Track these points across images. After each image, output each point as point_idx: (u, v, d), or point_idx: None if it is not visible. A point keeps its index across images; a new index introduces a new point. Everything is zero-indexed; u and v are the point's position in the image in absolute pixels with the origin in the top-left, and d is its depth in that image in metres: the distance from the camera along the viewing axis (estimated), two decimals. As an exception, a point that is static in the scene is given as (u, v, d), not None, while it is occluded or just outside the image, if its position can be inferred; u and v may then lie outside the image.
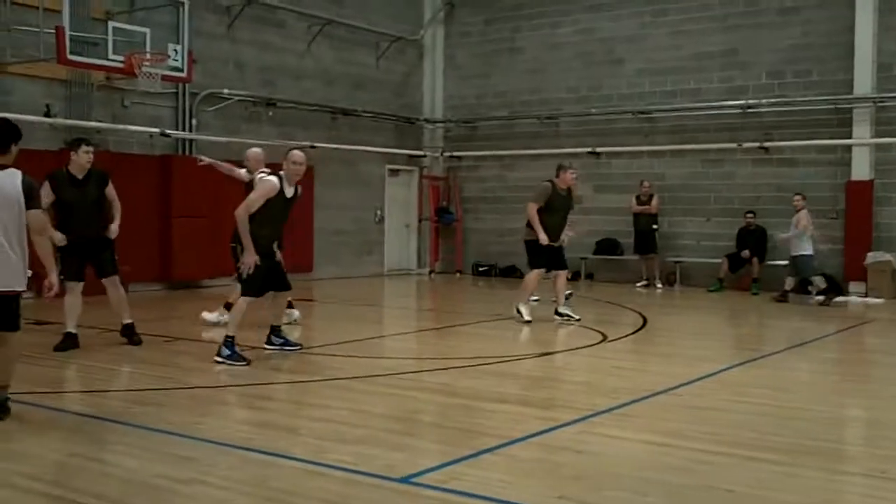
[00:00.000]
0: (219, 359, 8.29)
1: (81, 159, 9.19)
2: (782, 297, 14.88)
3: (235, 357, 8.28)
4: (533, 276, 11.84)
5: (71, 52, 13.04)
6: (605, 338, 10.45)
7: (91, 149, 9.35)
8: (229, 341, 8.33)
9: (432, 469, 5.02)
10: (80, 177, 9.23)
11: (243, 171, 10.74)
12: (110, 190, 9.52)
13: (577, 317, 11.74)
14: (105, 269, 9.39)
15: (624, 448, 5.62)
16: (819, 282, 15.03)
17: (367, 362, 8.70)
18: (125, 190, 14.53)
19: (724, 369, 8.51)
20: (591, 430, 6.03)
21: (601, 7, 19.29)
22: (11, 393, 6.22)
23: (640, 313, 13.03)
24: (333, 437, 5.77)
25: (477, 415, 6.48)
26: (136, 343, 9.41)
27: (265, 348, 8.99)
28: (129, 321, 9.55)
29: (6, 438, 5.67)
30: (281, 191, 8.62)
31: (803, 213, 14.93)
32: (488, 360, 8.79)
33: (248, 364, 8.20)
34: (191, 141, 16.57)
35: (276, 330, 9.14)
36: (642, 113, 18.62)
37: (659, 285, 17.57)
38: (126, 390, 7.28)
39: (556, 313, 11.83)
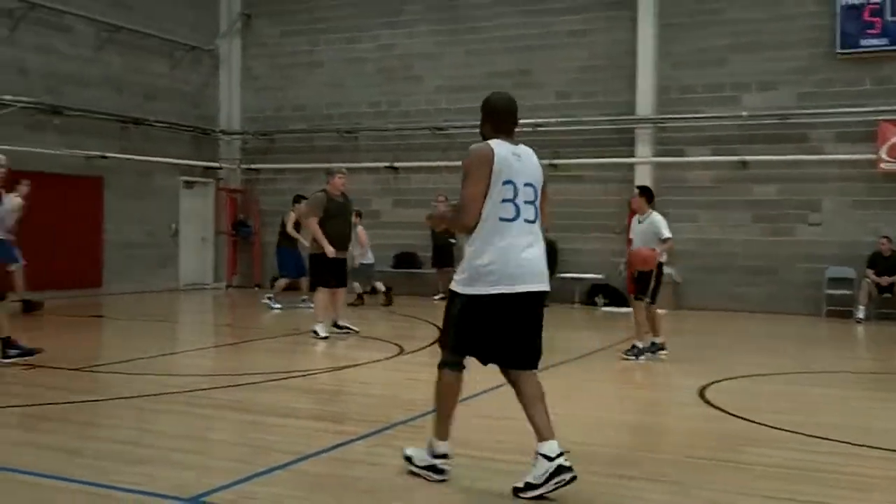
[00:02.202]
0: None
1: None
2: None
3: None
4: (321, 295, 11.60)
5: None
6: (401, 350, 10.60)
7: None
8: None
9: (223, 487, 4.96)
10: None
11: None
12: None
13: (356, 329, 11.87)
14: None
15: (416, 459, 5.72)
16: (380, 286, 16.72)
17: (157, 380, 8.47)
18: None
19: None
20: (386, 442, 6.11)
21: (398, 24, 19.59)
22: None
23: (437, 326, 13.23)
24: (120, 457, 5.59)
25: (269, 431, 6.44)
26: None
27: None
28: None
29: None
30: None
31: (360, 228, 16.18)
32: (283, 375, 8.74)
33: None
34: (-33, 148, 15.60)
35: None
36: (439, 129, 19.00)
37: (456, 298, 17.90)
38: None
39: (335, 325, 11.79)
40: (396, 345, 10.95)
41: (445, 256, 18.04)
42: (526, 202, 4.96)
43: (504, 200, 4.90)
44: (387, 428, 6.47)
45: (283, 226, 15.73)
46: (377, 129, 19.82)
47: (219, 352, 11.20)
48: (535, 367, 5.12)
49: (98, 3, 17.93)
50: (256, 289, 19.93)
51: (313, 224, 11.37)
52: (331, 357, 10.48)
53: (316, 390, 8.40)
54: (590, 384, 8.98)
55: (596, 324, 15.01)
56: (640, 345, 10.21)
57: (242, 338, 11.97)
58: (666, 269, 16.36)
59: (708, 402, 7.79)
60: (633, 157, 17.41)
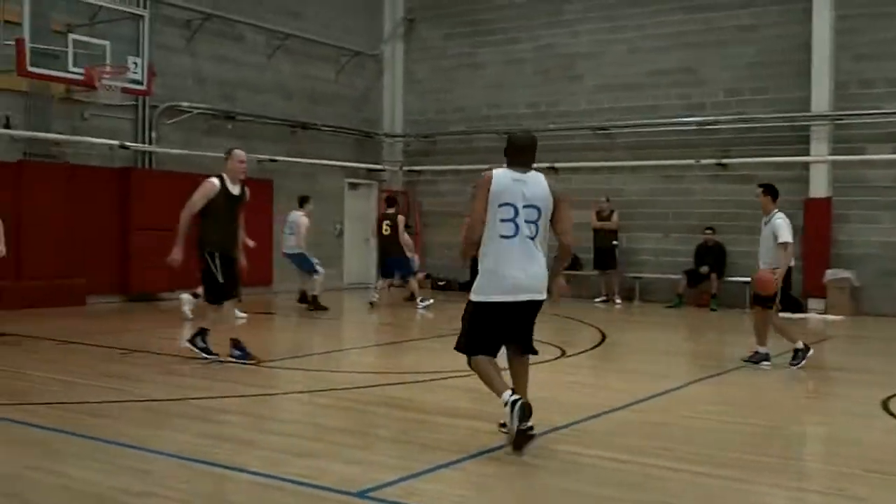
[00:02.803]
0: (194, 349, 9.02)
1: None
2: None
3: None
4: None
5: (31, 64, 13.03)
6: (563, 353, 10.51)
7: None
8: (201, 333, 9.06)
9: (389, 483, 5.03)
10: None
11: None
12: None
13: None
14: None
15: (580, 464, 5.65)
16: None
17: (325, 376, 8.70)
18: (84, 202, 14.56)
19: (682, 385, 8.60)
20: (548, 445, 6.05)
21: (560, 23, 19.47)
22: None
23: (598, 329, 13.12)
24: (291, 450, 5.76)
25: (434, 429, 6.51)
26: None
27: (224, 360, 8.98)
28: None
29: (-41, 453, 5.61)
30: (224, 189, 8.86)
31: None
32: (446, 374, 8.81)
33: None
34: (150, 153, 16.50)
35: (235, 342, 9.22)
36: (600, 129, 18.79)
37: (618, 301, 17.69)
38: (82, 402, 7.21)
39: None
40: (558, 347, 10.87)
41: (608, 258, 17.83)
42: (527, 222, 5.80)
43: (503, 220, 5.76)
44: (549, 431, 6.41)
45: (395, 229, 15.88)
46: (536, 129, 19.69)
47: (382, 350, 11.40)
48: (529, 353, 6.17)
49: (269, 12, 18.60)
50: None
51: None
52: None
53: (478, 390, 8.34)
54: (762, 392, 8.67)
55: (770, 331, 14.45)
56: (761, 350, 9.71)
57: (404, 337, 12.15)
58: (843, 273, 15.80)
59: (892, 414, 7.38)
60: (808, 155, 16.68)
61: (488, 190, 5.79)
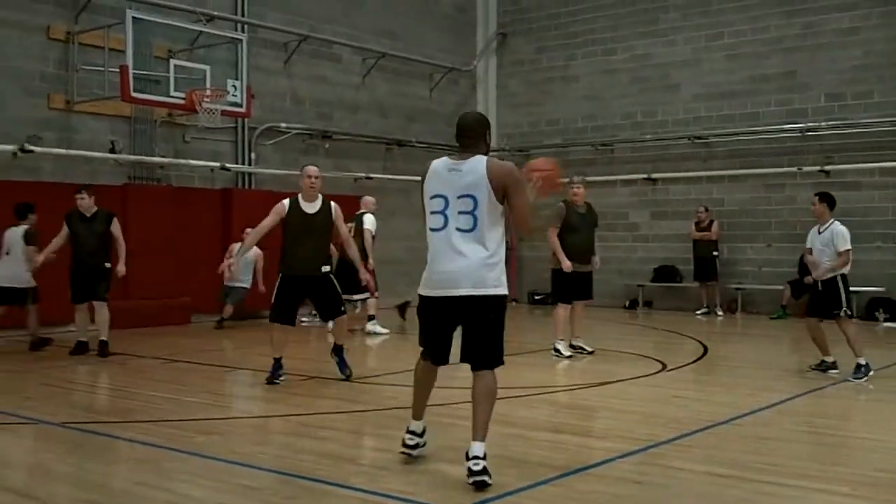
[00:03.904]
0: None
1: (79, 204, 11.03)
2: None
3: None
4: (560, 311, 11.17)
5: (134, 90, 13.43)
6: (664, 367, 10.35)
7: (84, 195, 11.08)
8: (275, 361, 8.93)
9: (491, 500, 5.00)
10: (87, 215, 11.02)
11: None
12: (115, 228, 11.09)
13: (590, 349, 11.32)
14: (97, 294, 10.98)
15: (685, 480, 5.54)
16: None
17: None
18: (187, 222, 14.94)
19: (788, 399, 8.36)
20: (651, 461, 5.96)
21: (655, 33, 19.28)
22: (78, 422, 6.34)
23: (700, 342, 12.88)
24: (391, 466, 5.77)
25: (534, 445, 6.46)
26: (105, 356, 10.82)
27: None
28: (104, 339, 10.98)
29: (73, 465, 5.79)
30: (295, 208, 8.78)
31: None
32: (544, 389, 8.76)
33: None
34: (250, 174, 16.86)
35: (337, 349, 9.30)
36: (699, 138, 18.50)
37: (720, 313, 17.35)
38: (189, 420, 7.38)
39: (570, 345, 11.28)
40: (658, 361, 10.70)
41: (709, 270, 17.51)
42: (461, 213, 5.33)
43: (433, 212, 5.43)
44: (652, 446, 6.31)
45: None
46: (633, 140, 19.57)
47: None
48: (484, 368, 5.46)
49: (364, 32, 18.85)
50: (514, 303, 20.14)
51: (552, 236, 11.03)
52: (591, 373, 10.37)
53: (578, 406, 8.35)
54: (869, 406, 8.37)
55: (876, 340, 13.98)
56: (862, 361, 9.43)
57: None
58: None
59: None
60: (914, 160, 16.13)
61: (423, 181, 5.54)
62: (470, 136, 5.50)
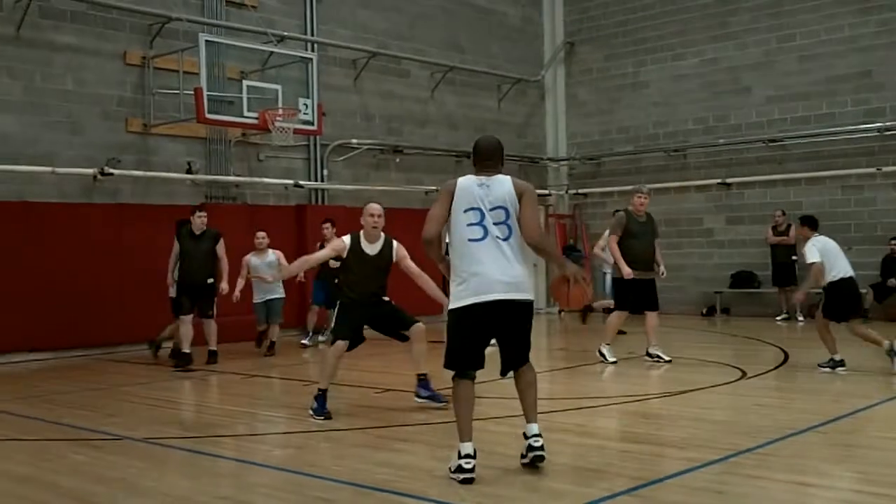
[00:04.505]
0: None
1: (195, 222, 11.68)
2: None
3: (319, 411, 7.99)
4: (615, 317, 11.37)
5: (209, 112, 13.69)
6: (744, 374, 10.17)
7: (203, 214, 11.77)
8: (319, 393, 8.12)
9: (569, 511, 4.98)
10: (197, 233, 11.62)
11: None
12: (220, 248, 11.61)
13: (667, 357, 11.24)
14: (203, 311, 11.69)
15: (767, 489, 5.43)
16: None
17: (500, 402, 8.70)
18: (262, 240, 15.10)
19: (873, 405, 8.16)
20: (732, 470, 5.86)
21: (726, 36, 19.06)
22: (160, 437, 6.47)
23: (780, 348, 12.63)
24: (469, 478, 5.77)
25: (611, 455, 6.40)
26: (213, 362, 11.66)
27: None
28: (213, 349, 11.87)
29: (156, 480, 5.91)
30: (356, 249, 8.16)
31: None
32: (621, 399, 8.68)
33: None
34: (323, 190, 17.06)
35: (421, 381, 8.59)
36: (773, 141, 18.21)
37: (800, 318, 16.99)
38: (268, 434, 7.48)
39: (647, 354, 11.34)
40: (738, 368, 10.53)
41: (787, 274, 17.18)
42: (496, 223, 5.73)
43: (469, 224, 5.74)
44: (732, 455, 6.20)
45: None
46: (706, 145, 19.33)
47: (555, 376, 11.33)
48: (526, 363, 6.05)
49: (431, 46, 18.98)
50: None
51: (613, 244, 11.10)
52: (669, 381, 10.24)
53: (655, 415, 8.25)
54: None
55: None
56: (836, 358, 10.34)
57: (577, 362, 12.02)
58: None
59: None
60: None
61: (451, 196, 5.83)
62: (491, 158, 6.02)
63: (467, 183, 5.89)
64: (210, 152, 15.43)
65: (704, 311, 18.79)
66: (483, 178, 5.89)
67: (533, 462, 5.77)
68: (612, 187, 20.58)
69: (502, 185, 5.86)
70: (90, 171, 13.77)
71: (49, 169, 13.31)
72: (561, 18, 21.75)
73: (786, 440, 6.71)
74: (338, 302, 8.35)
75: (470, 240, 5.74)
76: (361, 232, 8.22)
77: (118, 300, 13.63)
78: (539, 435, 5.83)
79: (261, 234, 13.06)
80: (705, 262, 19.23)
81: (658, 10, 20.09)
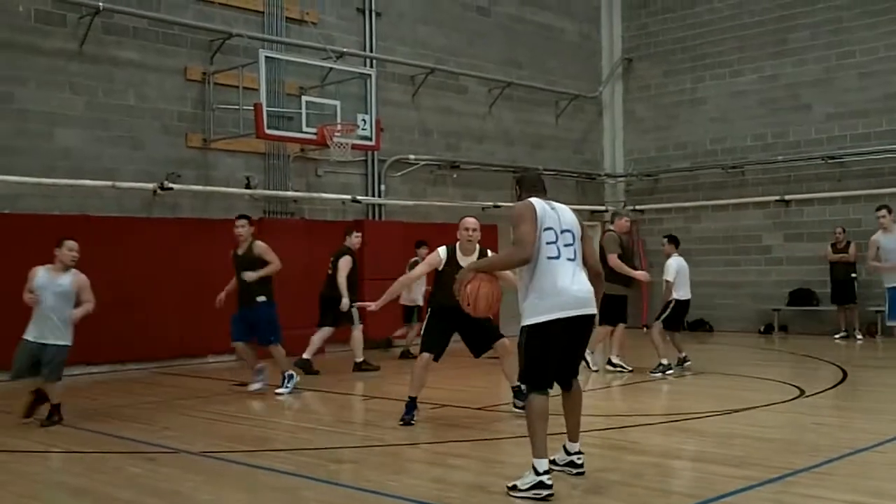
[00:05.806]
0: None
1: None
2: None
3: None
4: (620, 331, 12.41)
5: (268, 127, 13.87)
6: (802, 393, 10.07)
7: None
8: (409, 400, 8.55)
9: (624, 528, 4.99)
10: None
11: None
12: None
13: (629, 368, 12.22)
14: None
15: (825, 509, 5.40)
16: None
17: (553, 420, 8.71)
18: (321, 255, 15.31)
19: (934, 425, 8.03)
20: (789, 489, 5.82)
21: (784, 53, 18.91)
22: (216, 451, 6.57)
23: (839, 366, 12.47)
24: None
25: (667, 473, 6.40)
26: (309, 374, 11.95)
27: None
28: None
29: (212, 494, 6.02)
30: (450, 261, 8.43)
31: None
32: (678, 416, 8.64)
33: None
34: (380, 206, 17.20)
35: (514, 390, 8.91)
36: (832, 158, 17.99)
37: (859, 336, 16.75)
38: (324, 448, 7.57)
39: (609, 363, 12.40)
40: (796, 387, 10.42)
41: (847, 292, 16.95)
42: (565, 245, 5.96)
43: (548, 243, 5.89)
44: (790, 474, 6.16)
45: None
46: (764, 161, 19.16)
47: (609, 392, 11.31)
48: (576, 377, 6.25)
49: (489, 62, 19.07)
50: (644, 329, 19.86)
51: (615, 260, 11.82)
52: (724, 399, 10.14)
53: (711, 433, 8.20)
54: None
55: None
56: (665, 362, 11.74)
57: (632, 379, 11.98)
58: None
59: None
60: None
61: (535, 214, 5.92)
62: (542, 187, 6.34)
63: (541, 204, 6.04)
64: (269, 167, 15.65)
65: (762, 329, 18.59)
66: (550, 203, 6.11)
67: (579, 475, 6.19)
68: (669, 203, 20.49)
69: (567, 211, 6.16)
70: (150, 185, 14.03)
71: (110, 183, 13.58)
72: (619, 34, 21.72)
73: (844, 459, 6.65)
74: (429, 309, 8.75)
75: (549, 257, 5.90)
76: (458, 244, 8.59)
77: (177, 314, 13.84)
78: (582, 452, 6.26)
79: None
80: (763, 279, 19.02)
81: (716, 27, 19.99)
